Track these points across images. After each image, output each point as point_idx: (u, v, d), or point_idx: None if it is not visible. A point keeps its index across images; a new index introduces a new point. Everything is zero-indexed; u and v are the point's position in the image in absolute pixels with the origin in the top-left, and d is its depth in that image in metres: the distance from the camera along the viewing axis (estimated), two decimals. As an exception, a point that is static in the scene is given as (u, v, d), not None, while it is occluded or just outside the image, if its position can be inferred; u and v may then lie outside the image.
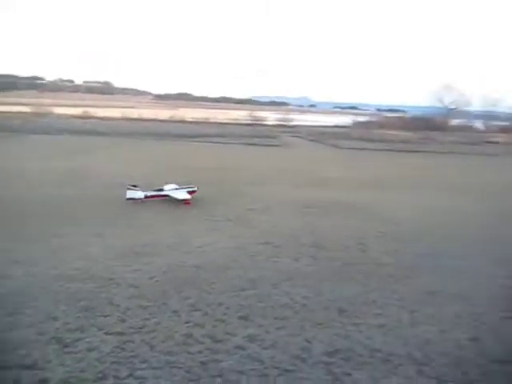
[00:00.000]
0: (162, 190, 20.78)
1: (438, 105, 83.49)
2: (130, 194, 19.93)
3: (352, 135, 58.82)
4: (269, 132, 60.08)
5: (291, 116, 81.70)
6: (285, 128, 69.28)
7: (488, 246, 14.97)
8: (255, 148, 45.23)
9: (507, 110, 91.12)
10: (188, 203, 20.03)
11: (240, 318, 9.66)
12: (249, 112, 77.62)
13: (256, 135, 55.15)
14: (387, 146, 51.76)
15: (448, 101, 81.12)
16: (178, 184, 21.37)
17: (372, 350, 8.50)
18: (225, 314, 9.74)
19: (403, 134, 61.47)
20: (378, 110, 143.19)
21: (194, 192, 20.94)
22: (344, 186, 24.06)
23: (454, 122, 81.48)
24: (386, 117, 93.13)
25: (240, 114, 78.52)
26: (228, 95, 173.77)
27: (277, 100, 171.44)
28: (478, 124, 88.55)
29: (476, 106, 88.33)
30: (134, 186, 20.35)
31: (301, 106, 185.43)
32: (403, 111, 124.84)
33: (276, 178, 23.44)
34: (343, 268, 12.69)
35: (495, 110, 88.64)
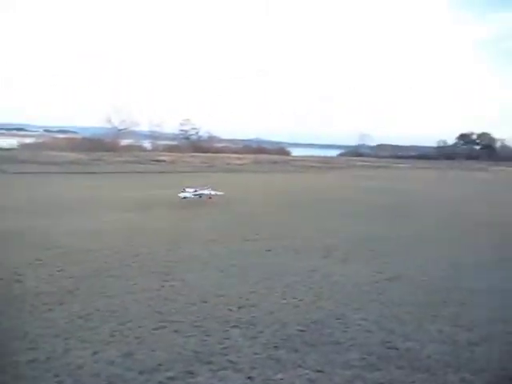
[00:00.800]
0: (196, 190, 25.75)
1: (108, 125, 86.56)
2: (183, 194, 24.80)
3: (19, 158, 55.62)
4: None
5: None
6: None
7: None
8: None
9: (173, 131, 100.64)
10: (211, 198, 25.34)
11: None
12: None
13: None
14: (57, 168, 50.52)
15: (117, 121, 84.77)
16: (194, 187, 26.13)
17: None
18: None
19: (74, 156, 61.47)
20: (47, 130, 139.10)
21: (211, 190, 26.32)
22: (4, 215, 22.24)
23: (125, 142, 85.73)
24: (56, 138, 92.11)
25: None
26: None
27: None
28: (147, 144, 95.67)
29: (144, 126, 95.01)
30: (184, 189, 25.40)
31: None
32: (74, 132, 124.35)
33: None
34: (-9, 305, 11.58)
35: (161, 130, 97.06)
